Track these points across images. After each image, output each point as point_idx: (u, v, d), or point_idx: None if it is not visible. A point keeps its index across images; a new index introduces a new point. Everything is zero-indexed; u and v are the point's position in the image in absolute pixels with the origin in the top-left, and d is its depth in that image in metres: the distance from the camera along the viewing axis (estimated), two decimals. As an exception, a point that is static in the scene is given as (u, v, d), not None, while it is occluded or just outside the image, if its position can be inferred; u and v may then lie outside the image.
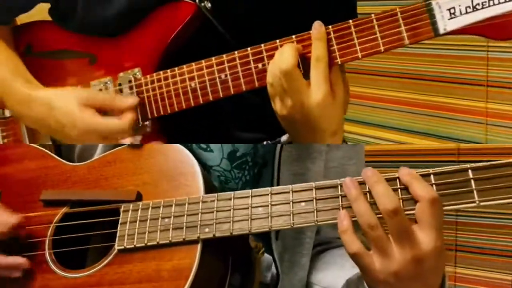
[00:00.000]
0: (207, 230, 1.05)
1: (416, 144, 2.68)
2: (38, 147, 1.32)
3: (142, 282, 1.05)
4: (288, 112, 1.12)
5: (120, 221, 1.12)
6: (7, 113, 1.38)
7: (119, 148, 1.23)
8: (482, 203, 0.92)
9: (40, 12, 1.42)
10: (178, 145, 1.17)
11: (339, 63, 1.12)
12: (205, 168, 1.24)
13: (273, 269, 1.27)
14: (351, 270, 1.19)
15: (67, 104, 1.22)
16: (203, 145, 1.27)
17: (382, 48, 1.10)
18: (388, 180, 0.98)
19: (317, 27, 1.11)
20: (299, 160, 1.28)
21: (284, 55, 1.10)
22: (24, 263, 1.15)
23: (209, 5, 1.21)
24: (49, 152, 1.30)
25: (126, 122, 1.22)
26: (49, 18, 1.40)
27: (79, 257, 1.19)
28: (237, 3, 1.24)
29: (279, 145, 1.25)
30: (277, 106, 1.13)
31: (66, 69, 1.30)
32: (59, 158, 1.28)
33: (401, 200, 0.96)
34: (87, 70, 1.30)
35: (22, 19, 1.44)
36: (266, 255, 1.21)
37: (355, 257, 0.95)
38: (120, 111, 1.23)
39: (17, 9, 1.41)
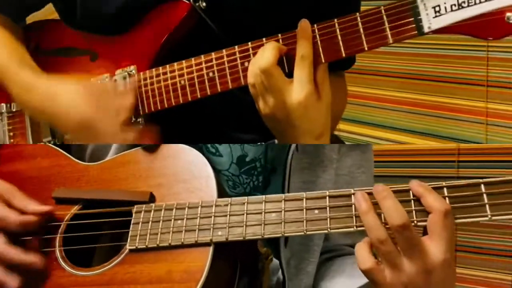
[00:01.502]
0: (220, 233, 1.05)
1: (416, 144, 2.67)
2: (50, 145, 1.33)
3: (153, 283, 1.06)
4: (270, 111, 1.11)
5: (132, 221, 1.13)
6: (14, 107, 1.40)
7: (133, 149, 1.23)
8: (494, 218, 0.93)
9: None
10: (192, 148, 1.18)
11: (323, 61, 1.11)
12: (215, 172, 1.25)
13: (279, 274, 1.28)
14: (360, 280, 1.20)
15: (68, 94, 1.22)
16: (212, 149, 1.28)
17: (365, 46, 1.09)
18: (400, 191, 0.98)
19: (303, 26, 1.10)
20: (310, 168, 1.29)
21: (265, 53, 1.10)
22: (38, 263, 1.14)
23: (204, 4, 1.22)
24: (62, 151, 1.31)
25: (119, 118, 1.21)
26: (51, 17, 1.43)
27: (86, 255, 1.20)
28: (231, 3, 1.24)
29: (290, 152, 1.25)
30: (260, 105, 1.13)
31: (69, 66, 1.31)
32: (71, 157, 1.29)
33: (414, 211, 0.97)
34: (88, 67, 1.31)
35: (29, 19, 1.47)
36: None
37: (368, 273, 0.96)
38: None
39: (30, 7, 1.44)
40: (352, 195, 1.01)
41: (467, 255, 2.57)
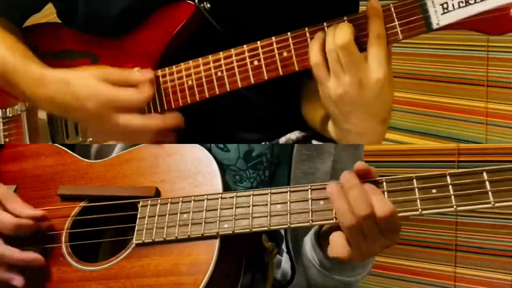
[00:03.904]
0: (226, 226, 1.06)
1: (416, 144, 2.68)
2: (55, 144, 1.33)
3: (160, 276, 1.07)
4: (344, 90, 1.09)
5: (138, 216, 1.14)
6: (10, 113, 1.39)
7: (137, 147, 1.24)
8: (497, 204, 0.94)
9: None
10: (196, 144, 1.19)
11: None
12: (221, 167, 1.25)
13: (283, 265, 1.28)
14: None
15: (84, 79, 1.21)
16: (221, 145, 1.28)
17: None
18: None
19: (374, 4, 1.08)
20: (310, 160, 1.29)
21: (342, 31, 1.08)
22: (40, 259, 1.16)
23: (208, 5, 1.22)
24: (66, 149, 1.31)
25: (143, 93, 1.20)
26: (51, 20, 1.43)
27: (92, 251, 1.22)
28: (236, 4, 1.25)
29: (295, 146, 1.26)
30: (331, 84, 1.10)
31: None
32: (76, 155, 1.30)
33: None
34: (89, 70, 1.31)
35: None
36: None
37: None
38: (136, 85, 1.22)
39: (29, 10, 1.44)
40: None
41: (467, 255, 2.58)
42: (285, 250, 1.27)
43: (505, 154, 2.43)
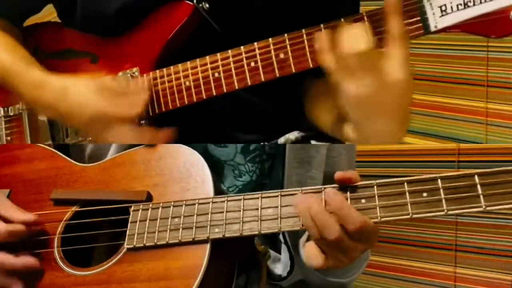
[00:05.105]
0: (217, 230, 1.06)
1: (416, 144, 2.68)
2: (48, 147, 1.33)
3: (152, 280, 1.06)
4: (364, 93, 1.05)
5: (130, 220, 1.13)
6: (11, 111, 1.39)
7: (130, 150, 1.24)
8: (488, 208, 0.93)
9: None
10: (188, 147, 1.19)
11: None
12: (220, 163, 1.27)
13: (283, 258, 1.28)
14: None
15: (80, 89, 1.23)
16: None
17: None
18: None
19: (393, 2, 1.04)
20: (305, 148, 1.29)
21: (358, 33, 1.04)
22: (34, 264, 1.15)
23: (207, 5, 1.22)
24: (59, 153, 1.31)
25: (135, 107, 1.21)
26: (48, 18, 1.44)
27: (85, 255, 1.21)
28: (234, 4, 1.24)
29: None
30: (351, 86, 1.06)
31: (69, 69, 1.30)
32: (69, 159, 1.30)
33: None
34: (89, 69, 1.31)
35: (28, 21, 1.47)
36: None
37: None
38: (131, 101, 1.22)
39: (29, 10, 1.44)
40: (349, 188, 1.03)
41: (467, 255, 2.58)
42: (282, 241, 1.27)
43: (505, 154, 2.43)
